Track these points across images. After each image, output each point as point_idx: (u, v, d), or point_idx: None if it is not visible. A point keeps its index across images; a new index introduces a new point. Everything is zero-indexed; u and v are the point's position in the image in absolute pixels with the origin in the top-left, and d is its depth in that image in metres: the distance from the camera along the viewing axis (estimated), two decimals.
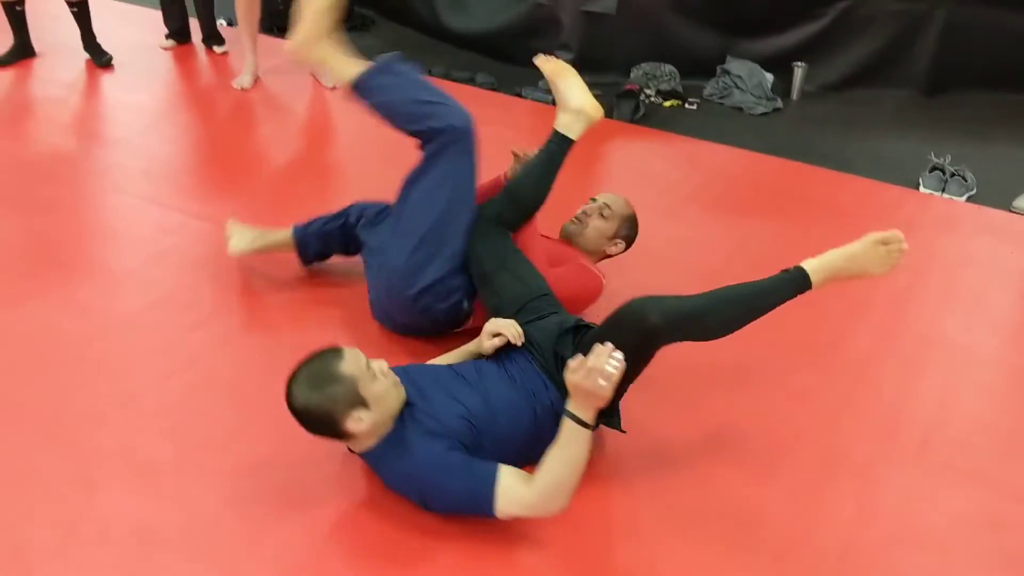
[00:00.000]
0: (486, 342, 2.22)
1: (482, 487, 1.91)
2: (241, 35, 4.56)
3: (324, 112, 4.45)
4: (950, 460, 2.36)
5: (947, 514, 2.19)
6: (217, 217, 3.27)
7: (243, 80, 4.53)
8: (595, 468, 2.12)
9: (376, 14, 5.84)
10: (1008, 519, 2.19)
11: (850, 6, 4.89)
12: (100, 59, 4.67)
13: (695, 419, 2.39)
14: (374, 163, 3.91)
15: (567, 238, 2.82)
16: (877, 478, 2.29)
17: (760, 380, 2.61)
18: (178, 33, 4.99)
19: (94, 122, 4.11)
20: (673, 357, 2.60)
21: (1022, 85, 4.96)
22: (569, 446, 1.90)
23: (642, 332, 2.00)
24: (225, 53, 4.94)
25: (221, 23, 5.44)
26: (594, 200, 2.83)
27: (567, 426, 1.90)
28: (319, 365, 1.95)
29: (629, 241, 2.82)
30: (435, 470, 1.95)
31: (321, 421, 1.94)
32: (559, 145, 2.63)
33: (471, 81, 4.87)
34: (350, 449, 2.07)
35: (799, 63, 4.89)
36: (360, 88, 2.65)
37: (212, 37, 4.99)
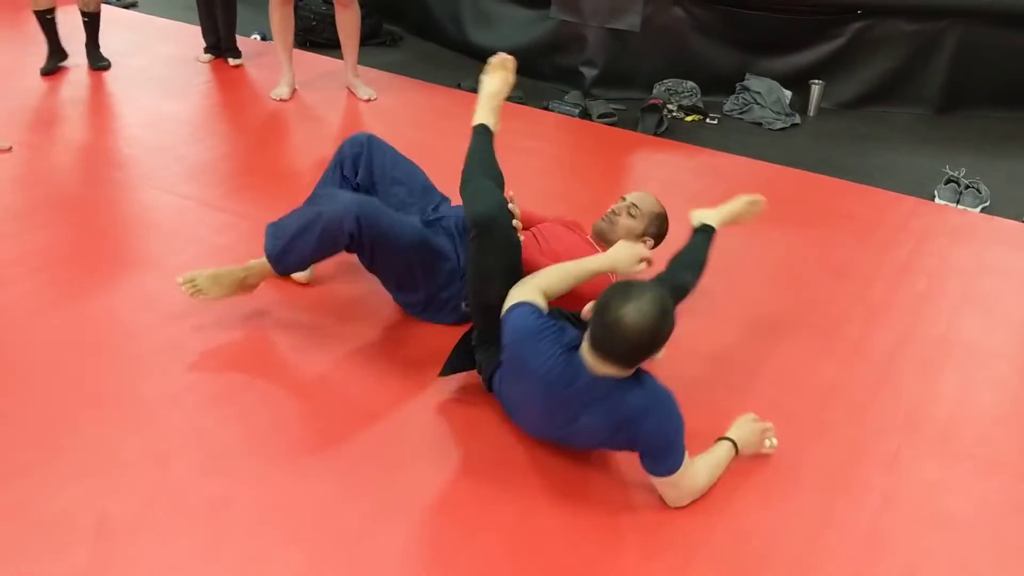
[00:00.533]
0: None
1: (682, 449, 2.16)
2: (277, 49, 4.73)
3: (358, 121, 4.61)
4: (972, 450, 2.49)
5: (972, 500, 2.32)
6: (263, 218, 3.42)
7: (281, 91, 4.70)
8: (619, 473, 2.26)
9: (404, 30, 6.02)
10: None
11: (865, 26, 5.05)
12: (97, 63, 4.93)
13: (721, 412, 2.51)
14: None
15: (598, 236, 2.93)
16: (902, 467, 2.42)
17: (785, 375, 2.74)
18: (215, 47, 5.17)
19: (139, 130, 4.26)
20: (695, 350, 2.76)
21: None
22: (719, 466, 2.28)
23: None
24: (239, 66, 5.11)
25: (255, 38, 5.63)
26: (624, 199, 2.95)
27: (725, 448, 2.30)
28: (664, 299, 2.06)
29: (658, 239, 2.93)
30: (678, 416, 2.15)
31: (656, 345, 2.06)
32: None
33: None
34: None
35: (816, 81, 5.05)
36: None
37: (230, 50, 5.16)
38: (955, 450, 2.48)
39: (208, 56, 5.17)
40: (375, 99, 4.78)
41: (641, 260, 2.48)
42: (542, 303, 2.23)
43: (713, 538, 2.14)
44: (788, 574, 2.06)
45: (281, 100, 4.67)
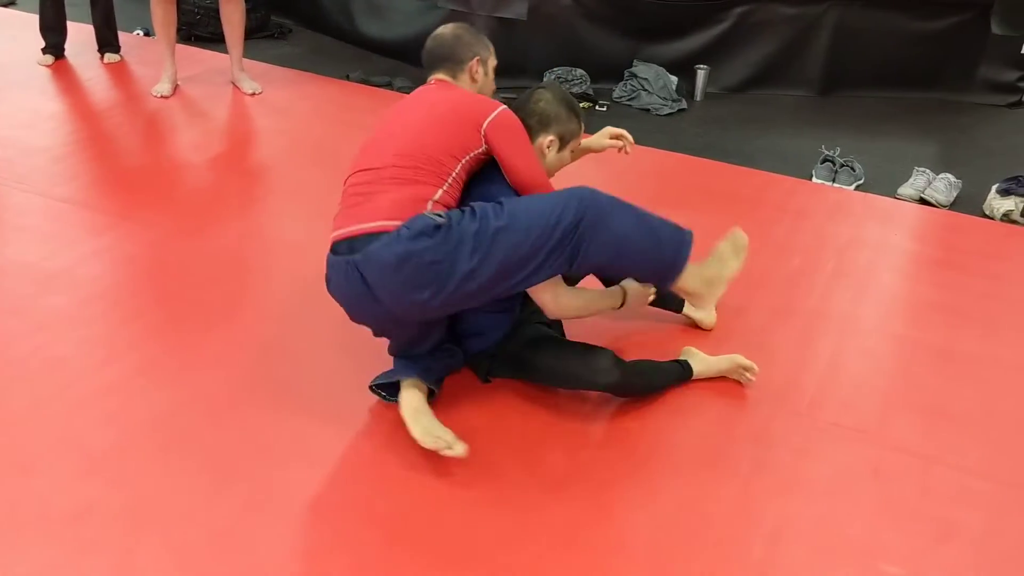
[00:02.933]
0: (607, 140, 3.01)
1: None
2: (159, 44, 4.62)
3: (245, 117, 4.54)
4: (837, 418, 2.58)
5: (834, 466, 2.41)
6: (144, 217, 3.37)
7: (162, 88, 4.60)
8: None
9: (293, 23, 5.94)
10: (887, 468, 2.41)
11: (747, 11, 5.16)
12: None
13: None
14: (298, 162, 4.04)
15: None
16: (772, 436, 2.50)
17: (660, 350, 2.78)
18: (57, 47, 4.97)
19: (15, 131, 4.13)
20: (571, 326, 2.79)
21: (908, 83, 5.29)
22: (603, 300, 2.49)
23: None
24: (118, 62, 4.99)
25: (138, 33, 5.49)
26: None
27: (614, 292, 2.50)
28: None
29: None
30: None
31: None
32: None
33: (389, 85, 5.01)
34: None
35: (702, 66, 5.15)
36: None
37: (108, 45, 5.01)
38: (822, 418, 2.58)
39: (49, 58, 4.94)
40: (260, 92, 4.72)
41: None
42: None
43: (583, 518, 2.19)
44: (657, 551, 2.12)
45: (162, 97, 4.57)
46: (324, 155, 4.08)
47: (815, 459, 2.43)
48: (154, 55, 4.90)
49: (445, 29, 2.67)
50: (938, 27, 5.16)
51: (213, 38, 5.35)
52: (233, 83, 4.77)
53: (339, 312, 2.40)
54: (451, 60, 2.59)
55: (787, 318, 3.06)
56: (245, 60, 4.79)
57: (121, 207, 3.53)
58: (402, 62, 5.36)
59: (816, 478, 2.36)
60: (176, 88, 4.66)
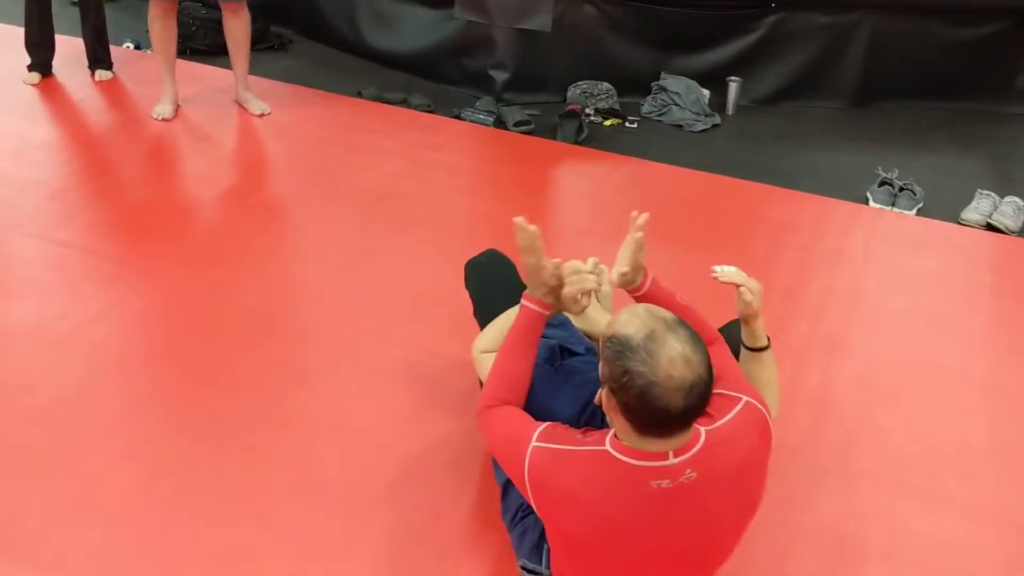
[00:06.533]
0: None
1: None
2: (158, 62, 4.26)
3: (255, 142, 4.20)
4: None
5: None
6: (156, 268, 3.05)
7: (163, 110, 4.24)
8: None
9: (294, 32, 5.57)
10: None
11: (779, 20, 4.89)
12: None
13: None
14: (316, 194, 3.72)
15: None
16: None
17: None
18: (45, 65, 4.59)
19: (5, 162, 3.77)
20: None
21: (945, 93, 5.06)
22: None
23: None
24: (111, 79, 4.61)
25: (128, 46, 5.11)
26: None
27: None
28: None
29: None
30: None
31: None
32: None
33: (405, 103, 4.68)
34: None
35: (734, 78, 4.87)
36: None
37: (99, 62, 4.64)
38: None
39: (36, 76, 4.54)
40: (269, 113, 4.38)
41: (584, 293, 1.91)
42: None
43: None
44: None
45: (164, 120, 4.21)
46: (343, 187, 3.76)
47: None
48: (148, 71, 4.54)
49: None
50: (976, 35, 4.92)
51: (211, 51, 4.98)
52: (238, 102, 4.43)
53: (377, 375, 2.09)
54: None
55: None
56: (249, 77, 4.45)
57: (128, 252, 3.20)
58: (416, 76, 5.03)
59: None
60: (178, 109, 4.30)
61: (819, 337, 2.97)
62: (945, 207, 3.95)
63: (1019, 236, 3.74)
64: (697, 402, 1.51)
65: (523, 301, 1.90)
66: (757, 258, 3.39)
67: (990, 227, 3.78)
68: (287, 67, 5.13)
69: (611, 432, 1.63)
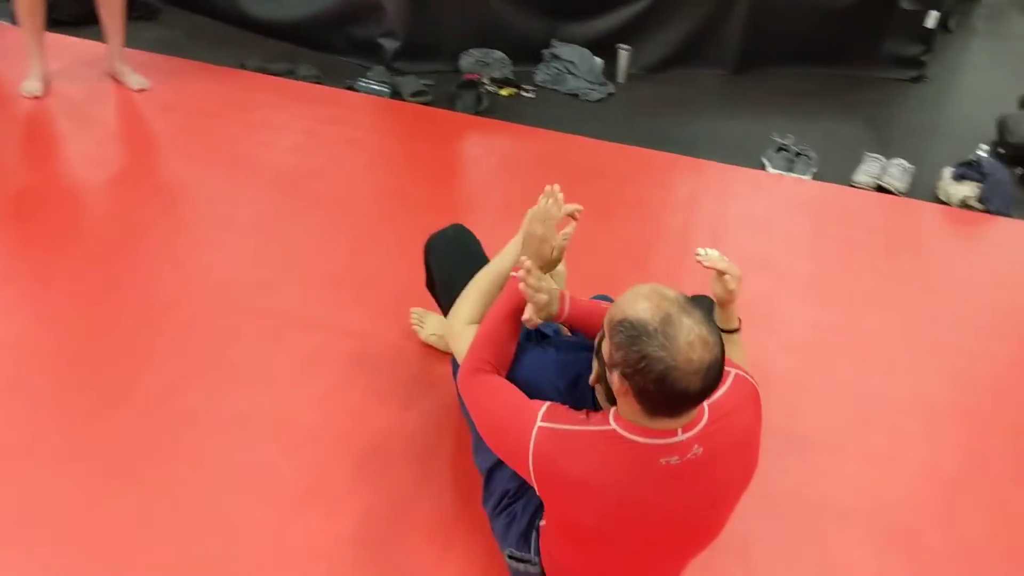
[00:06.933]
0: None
1: None
2: (24, 33, 3.90)
3: (138, 119, 3.92)
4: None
5: None
6: (43, 262, 2.80)
7: (32, 87, 3.90)
8: None
9: (161, 1, 5.22)
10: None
11: None
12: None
13: None
14: (211, 173, 3.53)
15: None
16: None
17: None
18: None
19: None
20: None
21: (817, 59, 5.23)
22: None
23: None
24: None
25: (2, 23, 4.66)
26: None
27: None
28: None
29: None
30: None
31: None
32: None
33: (291, 74, 4.47)
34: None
35: (624, 46, 4.89)
36: None
37: None
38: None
39: None
40: (148, 88, 4.10)
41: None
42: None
43: None
44: None
45: (34, 97, 3.88)
46: (240, 165, 3.57)
47: None
48: (11, 45, 4.16)
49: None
50: (847, 3, 5.10)
51: (75, 21, 4.61)
52: (113, 76, 4.12)
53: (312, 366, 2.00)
54: None
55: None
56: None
57: (18, 246, 2.93)
58: (300, 46, 4.81)
59: None
60: (49, 86, 3.96)
61: (743, 308, 3.01)
62: (835, 171, 4.10)
63: (907, 196, 3.92)
64: (713, 382, 1.50)
65: (515, 272, 1.85)
66: (674, 228, 3.43)
67: (880, 188, 3.95)
68: (159, 37, 4.81)
69: (612, 410, 1.60)
